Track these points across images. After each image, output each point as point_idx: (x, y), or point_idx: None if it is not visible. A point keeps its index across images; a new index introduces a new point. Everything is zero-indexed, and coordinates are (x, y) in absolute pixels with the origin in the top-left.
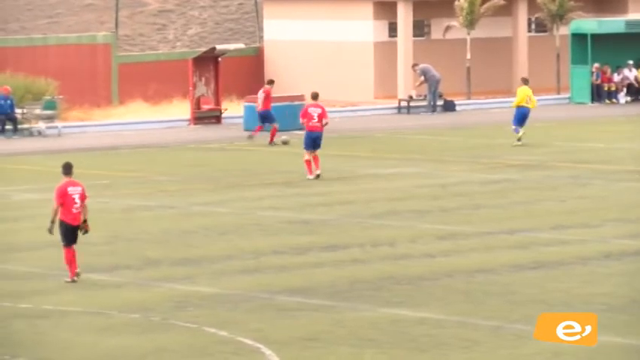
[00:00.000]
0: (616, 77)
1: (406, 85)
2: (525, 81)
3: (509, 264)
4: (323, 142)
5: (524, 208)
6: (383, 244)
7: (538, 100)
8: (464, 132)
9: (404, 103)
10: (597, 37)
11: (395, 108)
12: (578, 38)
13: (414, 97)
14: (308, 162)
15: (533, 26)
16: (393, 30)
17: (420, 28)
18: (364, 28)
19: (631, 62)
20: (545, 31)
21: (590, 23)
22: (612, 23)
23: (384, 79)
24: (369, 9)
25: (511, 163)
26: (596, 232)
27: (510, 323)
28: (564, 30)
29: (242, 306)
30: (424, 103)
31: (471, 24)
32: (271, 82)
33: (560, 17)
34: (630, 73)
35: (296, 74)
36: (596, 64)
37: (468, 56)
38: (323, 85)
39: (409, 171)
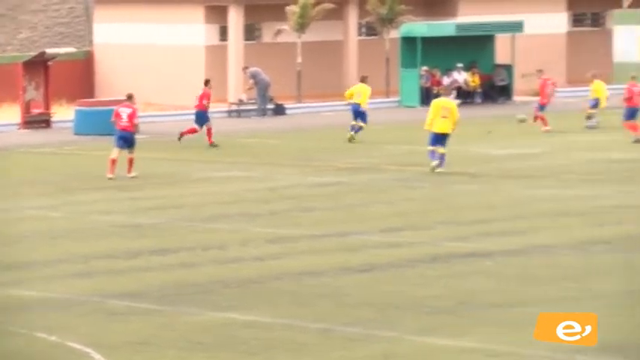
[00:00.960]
0: (445, 80)
1: (237, 88)
2: (363, 79)
3: (339, 266)
4: (154, 146)
5: (355, 210)
6: (213, 247)
7: (369, 102)
8: (294, 135)
9: (234, 107)
10: (427, 41)
11: (226, 112)
12: (408, 42)
13: (245, 100)
14: (113, 161)
15: (363, 30)
16: (224, 34)
17: (251, 32)
18: (195, 32)
19: (460, 65)
20: (375, 35)
21: (419, 27)
22: (442, 27)
23: (215, 83)
24: (199, 13)
25: (341, 166)
26: (426, 234)
27: (340, 326)
28: (395, 33)
29: (73, 310)
30: (255, 106)
31: (301, 28)
32: (207, 82)
33: (389, 21)
34: (460, 76)
35: (127, 78)
36: (425, 67)
37: (299, 60)
38: (154, 88)
39: (240, 175)
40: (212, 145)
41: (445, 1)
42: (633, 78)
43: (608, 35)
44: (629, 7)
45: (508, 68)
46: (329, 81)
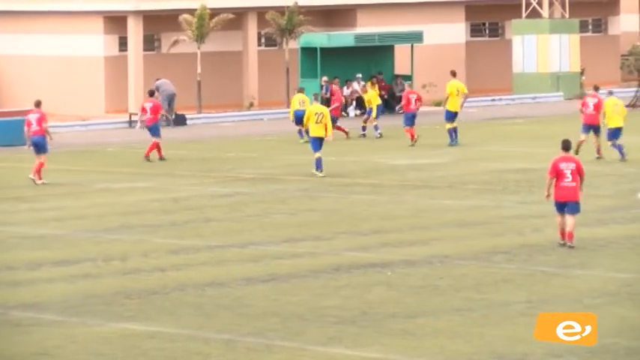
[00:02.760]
0: (345, 91)
1: (137, 99)
2: (301, 90)
3: (240, 277)
4: (55, 157)
5: (256, 221)
6: (115, 258)
7: (268, 113)
8: (195, 146)
9: (135, 117)
10: (327, 51)
11: (126, 122)
12: (308, 52)
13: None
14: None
15: (263, 40)
16: (123, 44)
17: (150, 43)
18: (94, 43)
19: (360, 76)
20: (275, 45)
21: (319, 37)
22: (341, 37)
23: (115, 93)
24: (99, 23)
25: (242, 176)
26: (328, 244)
27: (242, 336)
28: (294, 44)
29: None
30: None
31: (200, 38)
32: (152, 93)
33: (289, 31)
34: (359, 87)
35: (28, 89)
36: (325, 78)
37: (199, 70)
38: (55, 99)
39: (141, 185)
40: (147, 158)
41: (344, 12)
42: (410, 85)
43: (507, 45)
44: (527, 17)
45: (408, 78)
46: (229, 91)
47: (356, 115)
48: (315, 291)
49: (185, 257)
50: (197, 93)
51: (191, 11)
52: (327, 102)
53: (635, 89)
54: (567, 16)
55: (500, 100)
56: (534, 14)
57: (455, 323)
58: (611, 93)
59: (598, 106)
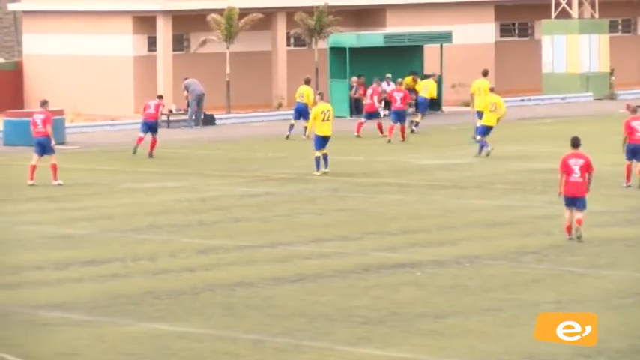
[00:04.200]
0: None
1: (166, 99)
2: (307, 80)
3: (269, 277)
4: (84, 157)
5: (284, 221)
6: (143, 258)
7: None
8: (224, 146)
9: (164, 118)
10: (356, 51)
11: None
12: (337, 52)
13: (174, 111)
14: (32, 167)
15: (292, 40)
16: (152, 44)
17: (179, 43)
18: (123, 43)
19: (389, 76)
20: (304, 46)
21: (348, 37)
22: (371, 37)
23: (144, 93)
24: (128, 23)
25: (271, 176)
26: (356, 244)
27: (270, 336)
28: (323, 44)
29: (3, 321)
30: (185, 117)
31: (229, 38)
32: (160, 96)
33: (318, 32)
34: (388, 87)
35: (57, 89)
36: (355, 78)
37: (228, 70)
38: (83, 99)
39: (169, 185)
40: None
41: (373, 12)
42: (400, 83)
43: (536, 45)
44: (557, 17)
45: (437, 78)
46: (258, 91)
47: (385, 116)
48: (343, 291)
49: (214, 257)
50: (226, 93)
51: (220, 11)
52: (356, 102)
53: None
54: (597, 16)
55: (530, 100)
56: (564, 14)
57: (484, 323)
58: None
59: None
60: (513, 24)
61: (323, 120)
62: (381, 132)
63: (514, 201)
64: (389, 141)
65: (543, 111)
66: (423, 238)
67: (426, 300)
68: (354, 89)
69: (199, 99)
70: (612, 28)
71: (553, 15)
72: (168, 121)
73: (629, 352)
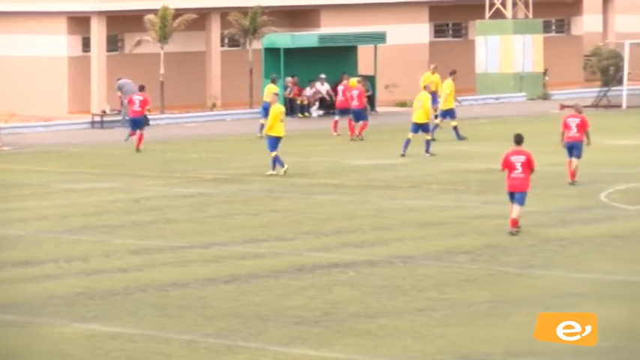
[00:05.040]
0: (308, 91)
1: (100, 99)
2: (274, 79)
3: (203, 278)
4: (18, 157)
5: (219, 221)
6: (77, 259)
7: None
8: (158, 146)
9: (98, 118)
10: (290, 52)
11: (89, 123)
12: (271, 52)
13: (108, 111)
14: None
15: (226, 41)
16: (87, 45)
17: (114, 43)
18: (58, 43)
19: (323, 76)
20: (238, 46)
21: (282, 38)
22: (305, 38)
23: (78, 93)
24: (62, 24)
25: (205, 177)
26: (290, 245)
27: (204, 337)
28: (258, 44)
29: None
30: (119, 117)
31: (164, 38)
32: (142, 88)
33: (252, 32)
34: (322, 87)
35: None
36: (289, 78)
37: (162, 70)
38: (17, 100)
39: (104, 186)
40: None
41: (308, 13)
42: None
43: (470, 45)
44: (491, 17)
45: (371, 79)
46: (192, 92)
47: (319, 116)
48: (277, 291)
49: (147, 258)
50: (160, 93)
51: (154, 12)
52: (290, 102)
53: (597, 89)
54: (531, 16)
55: (464, 100)
56: (498, 15)
57: (417, 323)
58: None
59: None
60: (447, 24)
61: (281, 120)
62: (335, 130)
63: (448, 201)
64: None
65: (477, 111)
66: (356, 238)
67: (359, 300)
68: (288, 89)
69: None
70: (546, 28)
71: (487, 15)
72: (102, 122)
73: (563, 352)
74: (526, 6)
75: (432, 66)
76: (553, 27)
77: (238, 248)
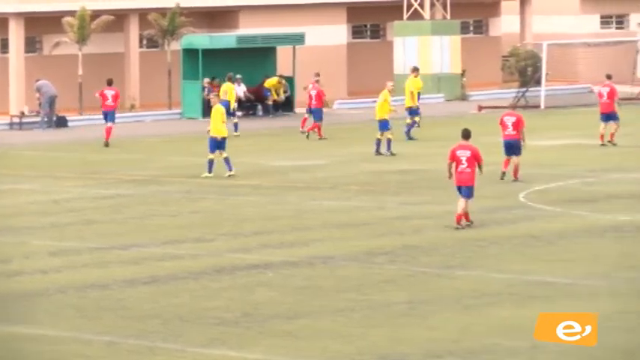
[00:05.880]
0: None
1: (19, 101)
2: (230, 78)
3: (122, 279)
4: None
5: (138, 223)
6: None
7: (150, 115)
8: (77, 148)
9: (16, 119)
10: (209, 52)
11: (7, 124)
12: (190, 53)
13: (27, 112)
14: None
15: (145, 42)
16: (4, 46)
17: (32, 44)
18: None
19: (240, 77)
20: (157, 47)
21: (201, 38)
22: (223, 39)
23: None
24: None
25: (124, 178)
26: (209, 246)
27: (124, 338)
28: (176, 45)
29: None
30: (37, 119)
31: (82, 40)
32: (110, 81)
33: (171, 33)
34: (239, 88)
35: None
36: (207, 79)
37: (80, 72)
38: None
39: (22, 187)
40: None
41: (226, 14)
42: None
43: (388, 46)
44: (409, 18)
45: (290, 80)
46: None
47: (237, 117)
48: (196, 293)
49: (66, 259)
50: (78, 95)
51: (73, 13)
52: (208, 103)
53: (515, 90)
54: (449, 17)
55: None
56: (416, 16)
57: (337, 324)
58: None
59: (612, 95)
60: (365, 25)
61: (223, 121)
62: (303, 127)
63: (367, 202)
64: (315, 137)
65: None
66: (276, 239)
67: (279, 301)
68: (206, 90)
69: (51, 101)
70: (464, 29)
71: (405, 16)
72: (20, 123)
73: (481, 352)
74: (444, 7)
75: (412, 67)
76: (471, 28)
77: (157, 250)
